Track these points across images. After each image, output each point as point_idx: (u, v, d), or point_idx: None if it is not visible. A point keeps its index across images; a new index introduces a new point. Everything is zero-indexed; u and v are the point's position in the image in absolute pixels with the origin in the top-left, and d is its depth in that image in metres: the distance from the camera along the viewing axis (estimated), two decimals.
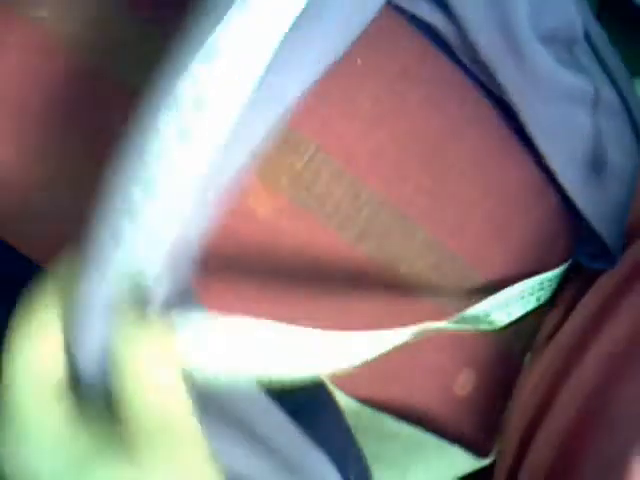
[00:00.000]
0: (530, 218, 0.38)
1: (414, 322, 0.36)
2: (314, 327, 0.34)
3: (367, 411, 0.36)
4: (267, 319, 0.33)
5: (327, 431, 0.31)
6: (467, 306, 0.37)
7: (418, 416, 0.38)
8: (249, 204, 0.32)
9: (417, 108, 0.35)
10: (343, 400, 0.34)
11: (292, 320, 0.33)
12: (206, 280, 0.32)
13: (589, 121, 0.36)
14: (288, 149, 0.33)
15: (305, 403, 0.32)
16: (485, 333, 0.38)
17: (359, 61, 0.33)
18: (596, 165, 0.36)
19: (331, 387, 0.34)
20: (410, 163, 0.35)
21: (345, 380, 0.35)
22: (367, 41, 0.32)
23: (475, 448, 0.39)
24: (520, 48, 0.32)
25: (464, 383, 0.39)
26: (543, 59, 0.32)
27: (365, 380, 0.36)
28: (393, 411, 0.37)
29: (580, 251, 0.40)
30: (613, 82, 0.35)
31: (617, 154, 0.36)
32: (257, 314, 0.33)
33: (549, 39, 0.33)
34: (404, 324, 0.36)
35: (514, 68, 0.33)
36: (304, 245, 0.33)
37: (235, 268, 0.32)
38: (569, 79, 0.34)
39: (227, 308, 0.32)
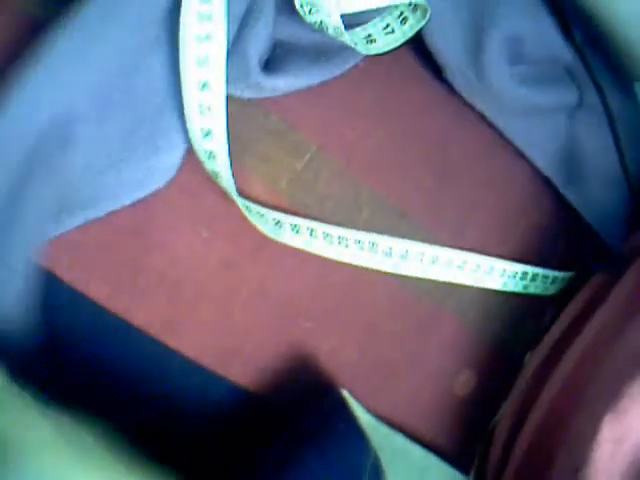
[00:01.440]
0: (530, 218, 0.38)
1: (414, 321, 0.36)
2: (314, 326, 0.34)
3: (382, 429, 0.36)
4: (266, 319, 0.33)
5: (341, 440, 0.31)
6: (468, 306, 0.37)
7: (421, 422, 0.38)
8: None
9: (418, 107, 0.36)
10: (362, 417, 0.34)
11: (292, 320, 0.34)
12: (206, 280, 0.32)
13: (563, 125, 0.37)
14: (288, 149, 0.33)
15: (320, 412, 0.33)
16: (485, 333, 0.38)
17: (361, 62, 0.33)
18: (572, 163, 0.37)
19: (352, 403, 0.34)
20: (411, 163, 0.36)
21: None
22: None
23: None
24: (484, 71, 0.33)
25: (464, 384, 0.39)
26: (506, 83, 0.34)
27: (372, 385, 0.36)
28: (398, 421, 0.37)
29: (582, 253, 0.40)
30: (599, 88, 0.36)
31: (595, 154, 0.37)
32: (254, 313, 0.33)
33: (524, 59, 0.34)
34: (404, 322, 0.36)
35: (479, 91, 0.34)
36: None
37: (234, 268, 0.32)
38: (535, 95, 0.35)
39: (228, 306, 0.32)
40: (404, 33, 0.31)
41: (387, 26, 0.31)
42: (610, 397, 0.31)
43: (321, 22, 0.29)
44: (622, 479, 0.29)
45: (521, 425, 0.36)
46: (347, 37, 0.29)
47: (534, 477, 0.33)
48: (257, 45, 0.29)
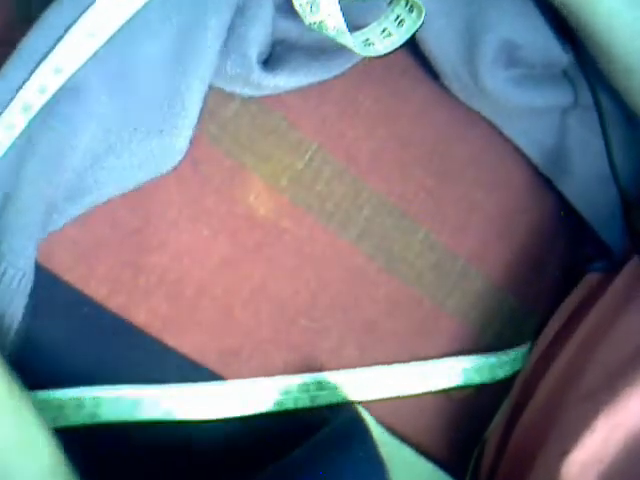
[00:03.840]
0: (530, 218, 0.38)
1: (414, 321, 0.36)
2: (314, 326, 0.34)
3: (392, 441, 0.36)
4: (266, 318, 0.33)
5: (359, 460, 0.31)
6: (468, 306, 0.37)
7: (418, 422, 0.38)
8: (250, 204, 0.32)
9: (418, 107, 0.36)
10: (374, 429, 0.35)
11: (292, 320, 0.34)
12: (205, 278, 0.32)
13: (558, 125, 0.37)
14: (289, 148, 0.33)
15: (341, 431, 0.33)
16: (485, 334, 0.38)
17: (361, 63, 0.33)
18: (569, 162, 0.37)
19: (367, 417, 0.34)
20: (411, 162, 0.36)
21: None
22: None
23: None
24: (479, 75, 0.33)
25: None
26: (502, 86, 0.34)
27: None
28: (396, 421, 0.37)
29: (581, 253, 0.40)
30: (593, 90, 0.36)
31: (588, 153, 0.37)
32: (255, 312, 0.33)
33: (520, 63, 0.34)
34: (404, 322, 0.36)
35: (475, 94, 0.35)
36: (304, 244, 0.33)
37: (235, 268, 0.32)
38: (531, 97, 0.35)
39: (228, 306, 0.32)
40: (401, 35, 0.31)
41: (384, 30, 0.31)
42: (608, 388, 0.31)
43: (320, 22, 0.29)
44: (612, 463, 0.30)
45: (515, 423, 0.37)
46: (348, 37, 0.29)
47: (523, 465, 0.34)
48: (256, 44, 0.29)
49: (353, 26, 0.31)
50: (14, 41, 0.26)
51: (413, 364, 0.36)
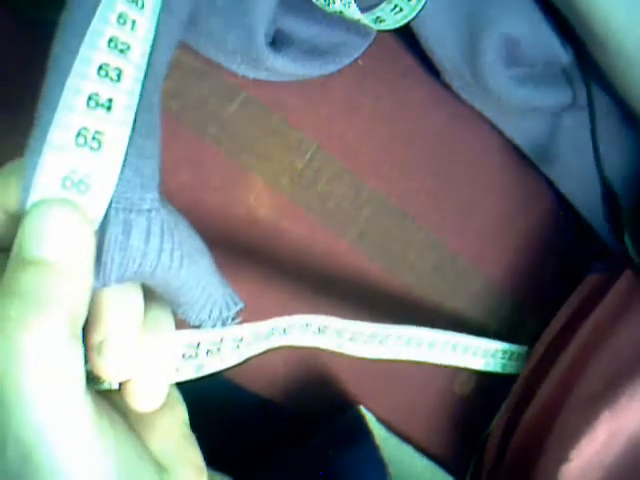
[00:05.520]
0: (530, 218, 0.38)
1: (413, 321, 0.36)
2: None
3: (392, 440, 0.36)
4: (267, 318, 0.33)
5: (361, 461, 0.32)
6: (468, 306, 0.37)
7: (419, 423, 0.38)
8: (250, 204, 0.32)
9: (418, 107, 0.36)
10: (375, 428, 0.34)
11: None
12: None
13: (559, 124, 0.37)
14: (289, 148, 0.33)
15: (343, 432, 0.33)
16: (485, 333, 0.38)
17: (361, 62, 0.33)
18: (571, 162, 0.38)
19: (368, 417, 0.34)
20: (411, 162, 0.36)
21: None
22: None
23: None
24: (481, 73, 0.33)
25: (464, 384, 0.39)
26: (504, 85, 0.34)
27: (372, 385, 0.36)
28: (397, 421, 0.37)
29: (581, 253, 0.40)
30: (587, 86, 0.36)
31: (580, 152, 0.37)
32: (256, 313, 0.33)
33: (521, 61, 0.34)
34: (403, 323, 0.36)
35: (477, 92, 0.35)
36: (304, 245, 0.33)
37: (235, 268, 0.32)
38: (533, 96, 0.35)
39: None
40: (413, 8, 0.30)
41: (395, 7, 0.31)
42: (609, 391, 0.31)
43: None
44: (614, 467, 0.30)
45: (515, 425, 0.37)
46: (355, 9, 0.28)
47: (525, 468, 0.34)
48: (263, 17, 0.28)
49: (363, 8, 0.30)
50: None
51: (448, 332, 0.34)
